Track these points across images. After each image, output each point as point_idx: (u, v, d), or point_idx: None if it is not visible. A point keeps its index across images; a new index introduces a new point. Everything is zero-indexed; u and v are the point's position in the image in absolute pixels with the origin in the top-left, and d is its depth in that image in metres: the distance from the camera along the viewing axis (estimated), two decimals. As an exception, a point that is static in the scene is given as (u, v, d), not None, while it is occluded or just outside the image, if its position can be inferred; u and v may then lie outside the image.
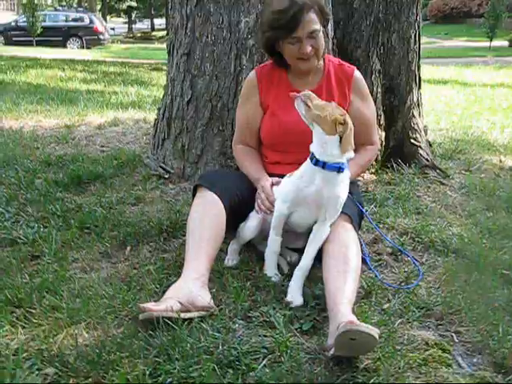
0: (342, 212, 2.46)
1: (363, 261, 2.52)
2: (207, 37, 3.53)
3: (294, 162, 2.60)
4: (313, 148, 2.39)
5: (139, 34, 44.27)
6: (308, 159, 2.41)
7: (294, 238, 2.63)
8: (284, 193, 2.50)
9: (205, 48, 3.54)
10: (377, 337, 1.90)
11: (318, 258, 2.55)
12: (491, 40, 25.66)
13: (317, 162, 2.36)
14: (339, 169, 2.35)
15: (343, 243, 2.38)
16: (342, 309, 2.09)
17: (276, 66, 2.86)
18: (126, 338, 2.05)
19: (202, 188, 2.64)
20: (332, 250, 2.38)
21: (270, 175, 2.75)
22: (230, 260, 2.69)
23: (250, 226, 2.67)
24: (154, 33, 45.45)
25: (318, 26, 2.65)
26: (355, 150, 2.86)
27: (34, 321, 2.16)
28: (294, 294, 2.37)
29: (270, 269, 2.54)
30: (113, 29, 39.21)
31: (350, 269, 2.29)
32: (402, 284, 2.59)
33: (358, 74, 2.89)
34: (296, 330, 2.17)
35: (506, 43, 27.65)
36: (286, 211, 2.49)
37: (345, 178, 2.41)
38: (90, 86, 9.21)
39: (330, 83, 2.84)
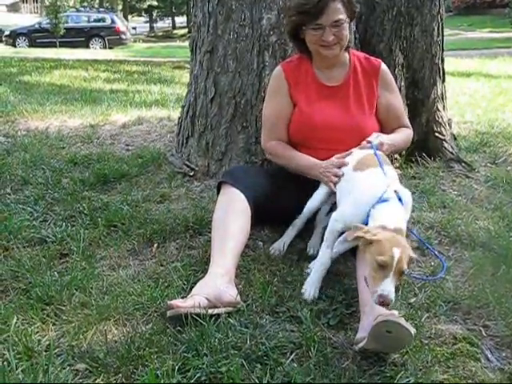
0: None
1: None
2: (229, 34, 3.54)
3: (324, 159, 2.61)
4: None
5: (161, 33, 44.47)
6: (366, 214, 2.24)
7: None
8: (341, 211, 2.39)
9: (227, 45, 3.55)
10: (413, 335, 1.90)
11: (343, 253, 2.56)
12: (516, 30, 25.27)
13: None
14: None
15: None
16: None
17: (301, 61, 2.86)
18: (155, 333, 2.08)
19: (227, 185, 2.66)
20: None
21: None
22: (277, 250, 2.74)
23: (316, 195, 2.67)
24: (175, 31, 45.62)
25: (343, 16, 2.64)
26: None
27: (64, 318, 2.20)
28: (309, 287, 2.38)
29: (311, 287, 2.37)
30: (134, 28, 39.54)
31: None
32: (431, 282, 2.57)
33: (384, 66, 2.90)
34: (323, 324, 2.18)
35: (531, 33, 27.20)
36: (339, 229, 2.37)
37: None
38: (113, 85, 9.27)
39: (356, 77, 2.84)
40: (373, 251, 2.00)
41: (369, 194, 2.24)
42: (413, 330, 1.91)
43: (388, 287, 1.93)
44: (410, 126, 3.00)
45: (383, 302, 1.92)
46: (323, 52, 2.72)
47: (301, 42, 2.80)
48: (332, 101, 2.79)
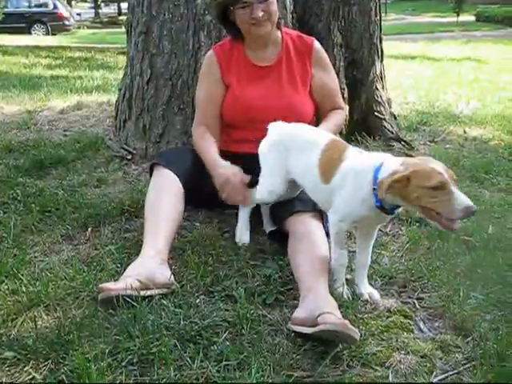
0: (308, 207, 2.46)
1: (327, 234, 2.53)
2: (164, 14, 3.48)
3: (258, 139, 2.58)
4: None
5: (106, 19, 43.52)
6: (372, 196, 2.07)
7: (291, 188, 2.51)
8: (341, 212, 2.18)
9: (162, 26, 3.50)
10: (358, 338, 1.88)
11: (277, 238, 2.59)
12: (458, 15, 25.84)
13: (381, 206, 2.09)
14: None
15: (309, 232, 2.38)
16: (322, 289, 2.10)
17: (233, 44, 2.82)
18: (86, 318, 2.04)
19: (159, 166, 2.63)
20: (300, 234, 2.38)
21: (235, 154, 2.73)
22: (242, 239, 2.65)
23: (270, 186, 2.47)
24: (121, 17, 44.66)
25: None
26: (324, 116, 2.85)
27: (-7, 306, 2.13)
28: (341, 288, 2.24)
29: (339, 281, 2.26)
30: (79, 14, 38.57)
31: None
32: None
33: (317, 44, 2.86)
34: (259, 303, 2.17)
35: (472, 18, 27.91)
36: (345, 228, 2.24)
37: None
38: (54, 71, 9.02)
39: (289, 56, 2.81)
40: (418, 183, 1.90)
41: (363, 174, 2.09)
42: (357, 335, 1.87)
43: (462, 197, 1.87)
44: (343, 106, 2.99)
45: (470, 213, 1.88)
46: (255, 31, 2.68)
47: (231, 24, 2.76)
48: (265, 81, 2.76)
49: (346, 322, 1.88)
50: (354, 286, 2.29)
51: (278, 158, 2.44)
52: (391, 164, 2.03)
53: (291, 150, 2.41)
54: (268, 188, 2.47)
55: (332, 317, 1.89)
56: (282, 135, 2.47)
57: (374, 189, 2.04)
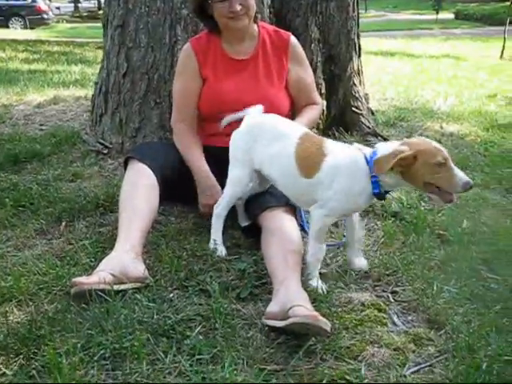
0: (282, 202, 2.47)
1: (302, 228, 2.54)
2: (141, 8, 3.45)
3: (230, 133, 2.58)
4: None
5: (86, 13, 43.08)
6: (369, 185, 2.16)
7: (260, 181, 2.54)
8: (331, 207, 2.21)
9: (139, 19, 3.47)
10: (329, 330, 1.88)
11: (251, 233, 2.59)
12: (437, 13, 26.04)
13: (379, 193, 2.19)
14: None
15: (282, 227, 2.38)
16: (293, 283, 2.09)
17: (210, 37, 2.81)
18: (58, 312, 2.02)
19: (134, 160, 2.62)
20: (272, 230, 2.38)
21: (207, 147, 2.75)
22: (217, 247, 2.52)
23: (237, 179, 2.49)
24: (100, 12, 44.30)
25: None
26: (299, 111, 2.86)
27: (-36, 302, 2.10)
28: (315, 283, 2.26)
29: (313, 274, 2.27)
30: (58, 8, 38.12)
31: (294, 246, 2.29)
32: (341, 249, 2.60)
33: (293, 39, 2.87)
34: (233, 297, 2.17)
35: (452, 16, 28.18)
36: (329, 223, 2.32)
37: None
38: (31, 65, 8.91)
39: (265, 49, 2.81)
40: (424, 160, 2.04)
41: (356, 167, 2.17)
42: (328, 326, 1.87)
43: (460, 172, 2.05)
44: (319, 101, 3.00)
45: (469, 187, 2.04)
46: (232, 24, 2.68)
47: (208, 18, 2.75)
48: (241, 74, 2.76)
49: (316, 313, 1.88)
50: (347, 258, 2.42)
51: (245, 147, 2.45)
52: (387, 147, 2.13)
53: (259, 139, 2.41)
54: (235, 177, 2.48)
55: (302, 309, 1.89)
56: (252, 125, 2.48)
57: (372, 176, 2.14)
